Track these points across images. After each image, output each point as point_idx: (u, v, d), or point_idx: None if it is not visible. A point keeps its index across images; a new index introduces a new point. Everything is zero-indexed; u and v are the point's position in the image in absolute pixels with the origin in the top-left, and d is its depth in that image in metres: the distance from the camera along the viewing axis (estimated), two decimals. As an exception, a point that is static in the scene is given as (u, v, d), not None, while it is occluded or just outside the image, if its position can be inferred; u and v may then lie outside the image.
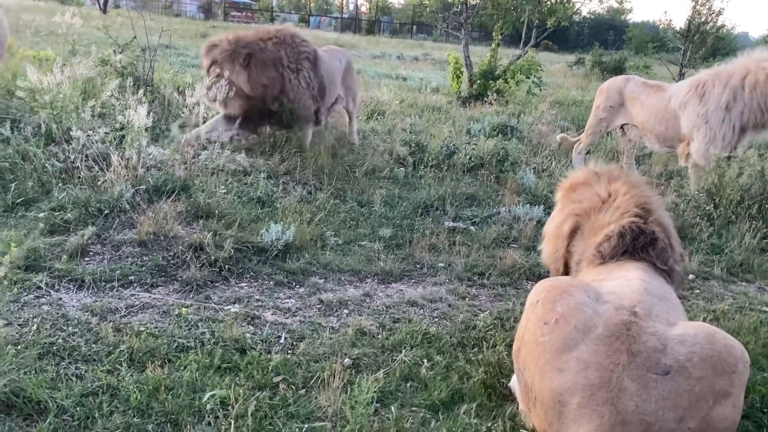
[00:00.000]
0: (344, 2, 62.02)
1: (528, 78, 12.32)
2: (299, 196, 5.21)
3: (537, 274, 4.27)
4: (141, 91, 4.95)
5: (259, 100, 6.09)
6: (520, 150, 7.58)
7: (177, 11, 47.49)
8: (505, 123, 8.90)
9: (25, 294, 3.28)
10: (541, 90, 12.51)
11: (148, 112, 4.70)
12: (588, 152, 7.53)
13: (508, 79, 12.23)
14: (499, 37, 13.02)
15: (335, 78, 6.93)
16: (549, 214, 3.60)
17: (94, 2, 37.74)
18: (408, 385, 2.88)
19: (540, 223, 4.91)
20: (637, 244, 2.85)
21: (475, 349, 3.23)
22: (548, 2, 12.83)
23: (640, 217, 2.91)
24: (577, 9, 14.29)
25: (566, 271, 3.17)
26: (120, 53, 7.48)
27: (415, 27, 50.26)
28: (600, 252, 2.89)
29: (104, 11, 32.69)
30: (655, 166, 7.66)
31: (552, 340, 2.28)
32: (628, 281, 2.57)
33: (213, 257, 3.85)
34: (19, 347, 2.75)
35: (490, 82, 12.15)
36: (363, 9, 60.72)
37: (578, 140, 7.51)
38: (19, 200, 4.29)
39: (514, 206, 5.39)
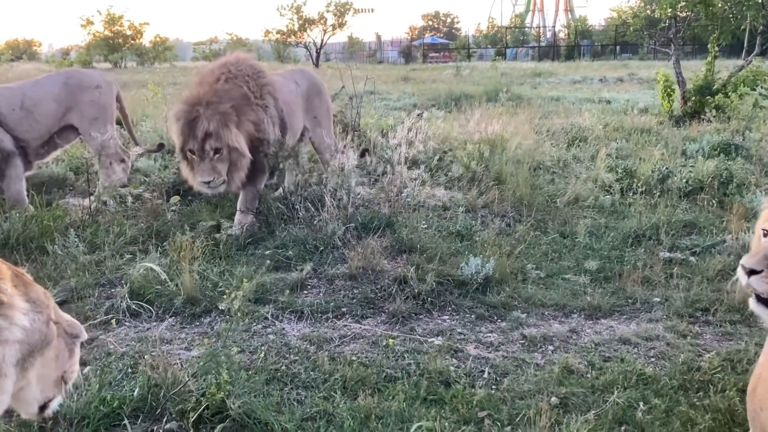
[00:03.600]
0: (541, 30, 61.26)
1: (753, 90, 11.01)
2: (498, 228, 5.18)
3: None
4: (349, 136, 5.35)
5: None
6: (747, 170, 6.76)
7: (380, 58, 50.79)
8: (728, 141, 8.02)
9: (255, 324, 3.66)
10: (771, 102, 11.11)
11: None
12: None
13: (729, 93, 11.03)
14: (716, 48, 11.86)
15: (295, 107, 5.69)
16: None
17: (308, 58, 41.87)
18: (622, 429, 2.68)
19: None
20: None
21: (700, 393, 2.91)
22: (774, 4, 11.41)
23: None
24: (814, 7, 12.49)
25: None
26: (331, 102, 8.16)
27: (618, 47, 47.86)
28: None
29: (316, 65, 36.10)
30: None
31: None
32: None
33: (416, 290, 3.97)
34: (250, 372, 3.07)
35: (708, 97, 11.07)
36: (561, 35, 59.42)
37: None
38: (249, 240, 4.84)
39: (743, 233, 4.80)
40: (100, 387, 2.84)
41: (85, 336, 1.82)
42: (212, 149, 4.69)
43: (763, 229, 2.29)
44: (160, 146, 6.80)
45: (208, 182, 4.75)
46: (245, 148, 4.84)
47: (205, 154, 4.71)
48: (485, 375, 3.14)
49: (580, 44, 51.43)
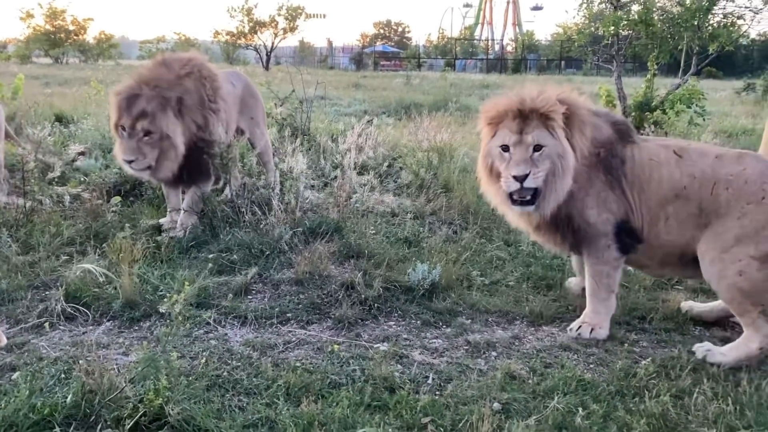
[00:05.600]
0: (489, 43, 62.46)
1: (689, 108, 11.52)
2: (445, 235, 5.23)
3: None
4: (298, 140, 5.31)
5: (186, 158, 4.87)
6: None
7: (331, 64, 50.75)
8: (665, 156, 8.33)
9: (196, 329, 3.58)
10: (704, 119, 11.63)
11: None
12: None
13: (667, 110, 11.51)
14: (655, 67, 12.34)
15: (232, 109, 5.55)
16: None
17: (258, 60, 41.44)
18: (562, 434, 2.74)
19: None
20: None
21: (636, 398, 3.00)
22: (709, 27, 11.96)
23: None
24: (744, 32, 13.15)
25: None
26: (280, 106, 8.10)
27: (563, 62, 49.25)
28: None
29: (266, 68, 35.78)
30: None
31: None
32: None
33: (363, 296, 3.96)
34: (190, 378, 2.99)
35: (647, 113, 11.50)
36: (509, 49, 60.73)
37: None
38: (192, 243, 4.73)
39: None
40: (30, 393, 2.71)
41: (4, 341, 1.75)
42: (143, 130, 4.58)
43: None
44: None
45: (130, 161, 4.61)
46: (179, 141, 4.72)
47: (134, 133, 4.59)
48: (429, 381, 3.15)
49: (527, 58, 52.68)
